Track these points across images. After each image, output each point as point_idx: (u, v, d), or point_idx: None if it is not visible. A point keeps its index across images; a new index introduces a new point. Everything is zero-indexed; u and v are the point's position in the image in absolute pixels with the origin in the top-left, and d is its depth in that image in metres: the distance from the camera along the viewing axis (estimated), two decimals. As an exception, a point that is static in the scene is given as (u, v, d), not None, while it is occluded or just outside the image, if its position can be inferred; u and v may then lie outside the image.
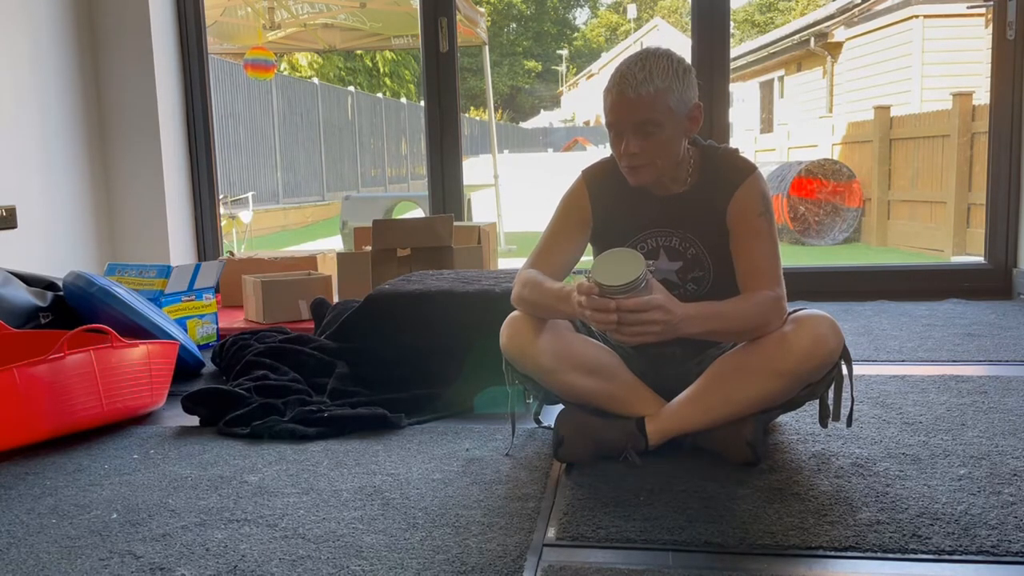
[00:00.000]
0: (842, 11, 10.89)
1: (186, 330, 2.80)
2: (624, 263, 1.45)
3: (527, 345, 1.65)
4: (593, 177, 1.79)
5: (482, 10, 7.61)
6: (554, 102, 36.52)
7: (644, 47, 1.66)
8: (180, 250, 3.80)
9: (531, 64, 35.39)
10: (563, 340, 1.67)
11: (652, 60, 1.58)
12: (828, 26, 11.13)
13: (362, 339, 2.32)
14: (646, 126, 1.58)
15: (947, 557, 1.25)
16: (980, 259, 3.62)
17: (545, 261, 1.73)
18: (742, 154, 1.75)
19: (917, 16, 9.53)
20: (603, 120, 1.66)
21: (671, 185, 1.71)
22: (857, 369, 2.32)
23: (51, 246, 3.40)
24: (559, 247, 1.75)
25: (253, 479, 1.64)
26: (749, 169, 1.69)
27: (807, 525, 1.35)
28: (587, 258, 1.80)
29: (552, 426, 1.71)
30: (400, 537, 1.36)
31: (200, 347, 2.82)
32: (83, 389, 1.93)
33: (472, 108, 26.86)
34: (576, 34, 38.11)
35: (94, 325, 2.08)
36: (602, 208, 1.76)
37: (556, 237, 1.76)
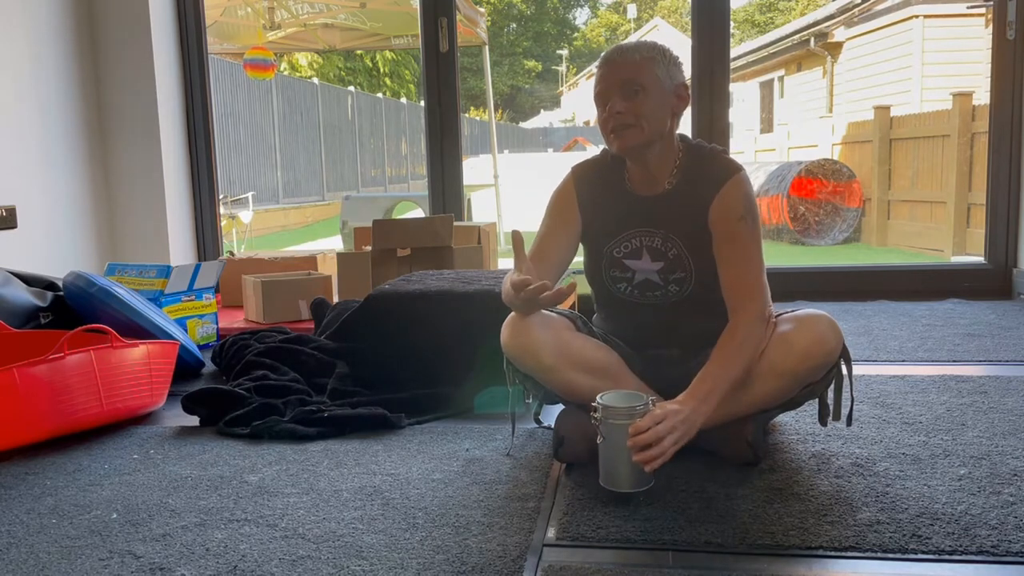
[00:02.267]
0: (842, 11, 10.88)
1: (186, 330, 2.80)
2: (627, 396, 1.52)
3: (528, 343, 1.65)
4: (582, 174, 1.79)
5: (482, 10, 7.61)
6: (554, 102, 36.48)
7: None
8: (180, 250, 3.80)
9: (531, 64, 35.34)
10: (564, 339, 1.67)
11: (639, 41, 1.70)
12: (828, 26, 11.13)
13: (362, 339, 2.32)
14: (631, 85, 1.62)
15: (947, 557, 1.25)
16: (980, 259, 3.62)
17: (538, 262, 1.72)
18: (729, 155, 1.75)
19: (917, 16, 9.53)
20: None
21: (656, 173, 1.70)
22: (857, 369, 2.32)
23: (51, 246, 3.40)
24: (551, 247, 1.75)
25: (253, 479, 1.64)
26: (733, 169, 1.68)
27: (807, 525, 1.35)
28: (580, 258, 1.80)
29: (552, 426, 1.71)
30: (400, 537, 1.36)
31: (200, 347, 2.82)
32: (83, 389, 1.93)
33: (472, 108, 26.83)
34: (576, 34, 38.06)
35: (94, 325, 2.08)
36: (589, 205, 1.76)
37: (547, 238, 1.76)
